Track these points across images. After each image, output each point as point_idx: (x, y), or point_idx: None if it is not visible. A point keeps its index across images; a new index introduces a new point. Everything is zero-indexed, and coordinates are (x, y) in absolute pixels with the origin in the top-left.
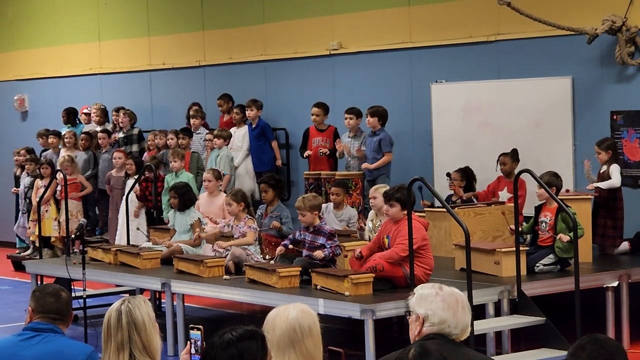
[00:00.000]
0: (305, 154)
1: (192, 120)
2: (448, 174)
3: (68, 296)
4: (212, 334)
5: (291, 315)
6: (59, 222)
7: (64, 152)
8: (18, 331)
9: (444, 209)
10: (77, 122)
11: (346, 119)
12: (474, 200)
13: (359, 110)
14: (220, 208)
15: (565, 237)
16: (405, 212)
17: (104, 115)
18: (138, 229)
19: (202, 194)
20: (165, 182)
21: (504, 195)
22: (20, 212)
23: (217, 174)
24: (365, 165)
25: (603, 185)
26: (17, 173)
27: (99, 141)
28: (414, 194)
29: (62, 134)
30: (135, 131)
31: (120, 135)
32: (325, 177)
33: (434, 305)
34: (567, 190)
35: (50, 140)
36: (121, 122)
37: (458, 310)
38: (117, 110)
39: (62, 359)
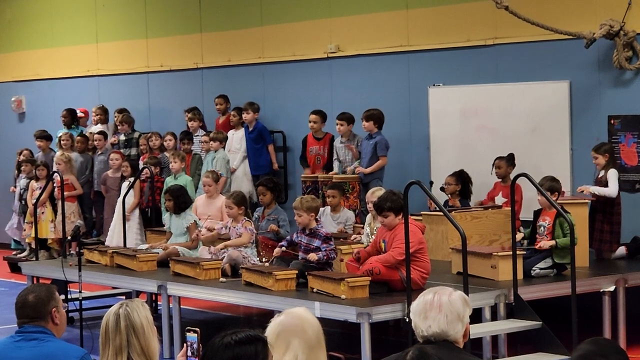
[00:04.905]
0: (305, 171)
1: (190, 123)
2: (442, 188)
3: (36, 297)
4: (209, 336)
5: (314, 317)
6: (54, 224)
7: (59, 154)
8: (11, 334)
9: (441, 213)
10: (77, 123)
11: (337, 124)
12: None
13: (351, 116)
14: (218, 210)
15: (548, 243)
16: (400, 217)
17: (104, 113)
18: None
19: (200, 196)
20: (165, 185)
21: (499, 199)
22: (14, 213)
23: (216, 176)
24: (359, 169)
25: (598, 191)
26: (16, 174)
27: (95, 143)
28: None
29: (58, 135)
30: (136, 134)
31: (122, 137)
32: (322, 180)
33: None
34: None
35: (38, 143)
36: (120, 129)
37: (430, 314)
38: (120, 111)
39: None
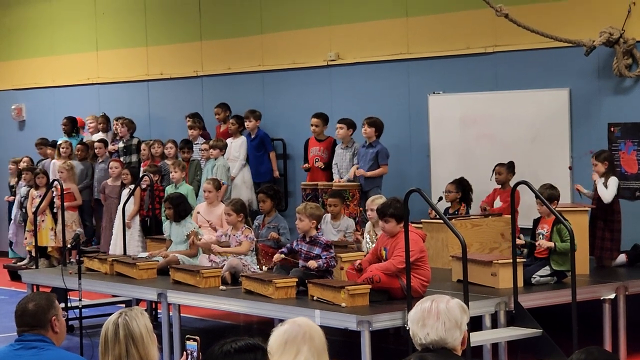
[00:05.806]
0: (303, 167)
1: (190, 131)
2: (441, 198)
3: (36, 305)
4: (208, 345)
5: (316, 324)
6: (55, 232)
7: (58, 162)
8: (11, 342)
9: (441, 220)
10: (77, 132)
11: (337, 128)
12: (486, 209)
13: (352, 122)
14: (219, 218)
15: (547, 243)
16: (401, 225)
17: (106, 122)
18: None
19: (201, 204)
20: (165, 193)
21: (497, 204)
22: (13, 222)
23: (217, 183)
24: (360, 172)
25: (598, 191)
26: (12, 182)
27: (96, 151)
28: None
29: (58, 143)
30: (135, 141)
31: (120, 145)
32: (322, 187)
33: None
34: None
35: (48, 151)
36: (120, 132)
37: (429, 321)
38: (118, 119)
39: None
